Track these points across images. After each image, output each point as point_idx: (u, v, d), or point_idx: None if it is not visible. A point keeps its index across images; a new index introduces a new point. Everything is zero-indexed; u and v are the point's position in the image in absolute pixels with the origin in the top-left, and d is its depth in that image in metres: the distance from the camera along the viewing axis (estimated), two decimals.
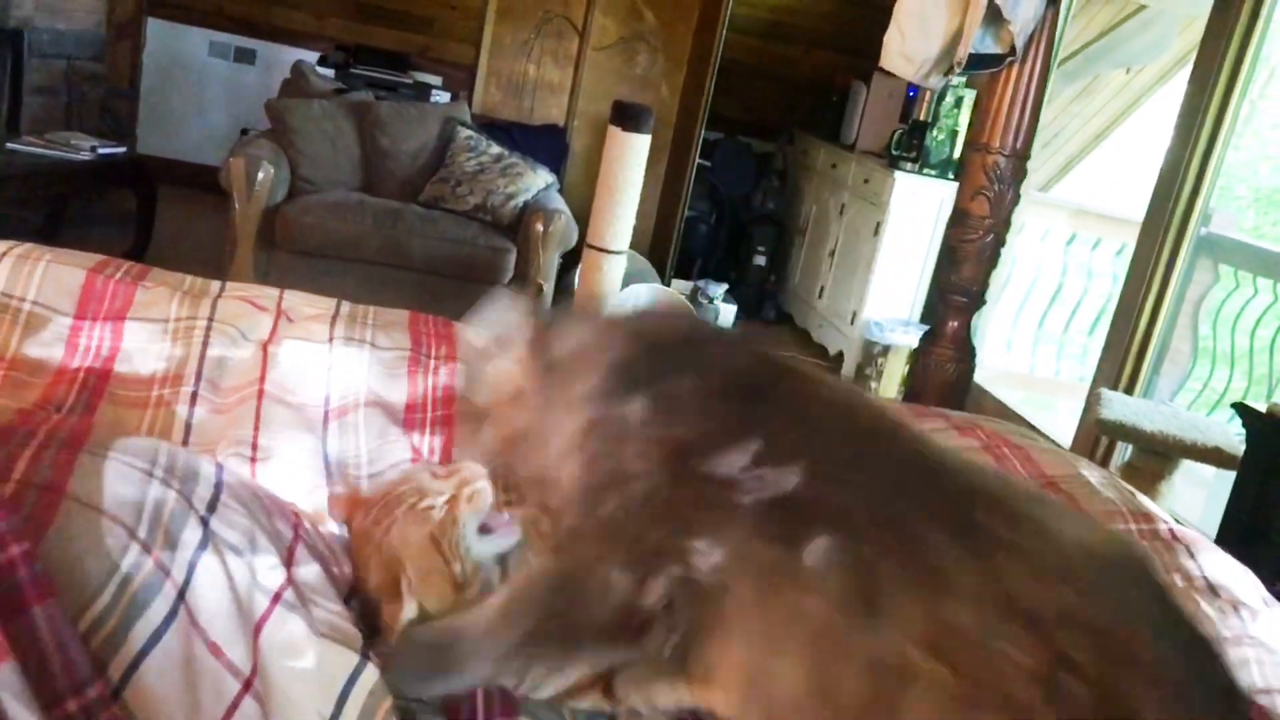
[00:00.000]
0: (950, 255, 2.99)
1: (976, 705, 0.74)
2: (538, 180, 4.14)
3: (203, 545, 0.84)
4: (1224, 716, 0.80)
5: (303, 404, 1.35)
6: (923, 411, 1.83)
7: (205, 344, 1.42)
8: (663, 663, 0.88)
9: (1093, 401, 2.94)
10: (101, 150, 3.91)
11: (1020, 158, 2.85)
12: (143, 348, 1.40)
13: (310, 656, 0.83)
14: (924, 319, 4.43)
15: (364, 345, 1.49)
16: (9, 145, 3.71)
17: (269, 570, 0.89)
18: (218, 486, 0.93)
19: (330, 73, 4.88)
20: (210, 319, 1.47)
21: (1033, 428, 3.41)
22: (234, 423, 1.28)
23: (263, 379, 1.37)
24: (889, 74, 3.01)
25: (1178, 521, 1.53)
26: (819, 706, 0.80)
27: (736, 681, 0.85)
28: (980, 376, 3.74)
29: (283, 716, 0.79)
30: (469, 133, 4.26)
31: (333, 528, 1.16)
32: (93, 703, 0.67)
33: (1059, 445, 2.71)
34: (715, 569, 0.84)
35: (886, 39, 2.80)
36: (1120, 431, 2.70)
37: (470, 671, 0.90)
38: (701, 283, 4.34)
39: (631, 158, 2.92)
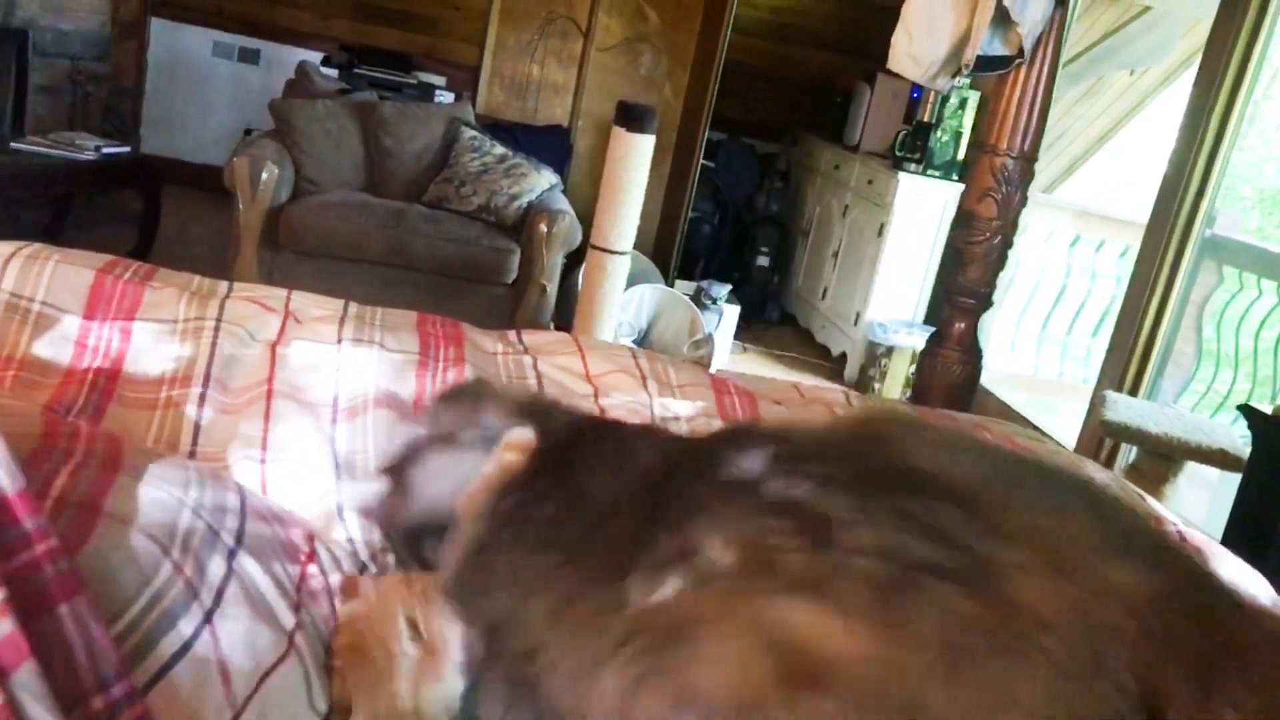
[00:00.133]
0: (957, 257, 2.98)
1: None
2: (541, 181, 4.15)
3: (227, 578, 0.86)
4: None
5: (312, 403, 1.35)
6: (929, 414, 1.83)
7: (214, 345, 1.41)
8: None
9: (1097, 403, 2.94)
10: (105, 150, 3.92)
11: (1028, 159, 2.85)
12: (151, 348, 1.40)
13: None
14: (927, 320, 4.43)
15: (373, 346, 1.49)
16: (13, 145, 3.72)
17: (286, 615, 0.90)
18: (242, 519, 0.95)
19: (334, 73, 4.89)
20: (219, 320, 1.47)
21: (1037, 429, 3.41)
22: (243, 423, 1.28)
23: (271, 379, 1.37)
24: (893, 75, 3.00)
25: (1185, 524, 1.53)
26: None
27: None
28: (984, 378, 3.74)
29: None
30: (473, 133, 4.26)
31: (340, 535, 1.16)
32: (118, 701, 0.67)
33: (1064, 447, 2.71)
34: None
35: (894, 41, 2.80)
36: (1125, 433, 2.70)
37: None
38: (705, 283, 4.35)
39: (635, 158, 2.92)
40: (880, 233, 4.46)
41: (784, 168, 5.61)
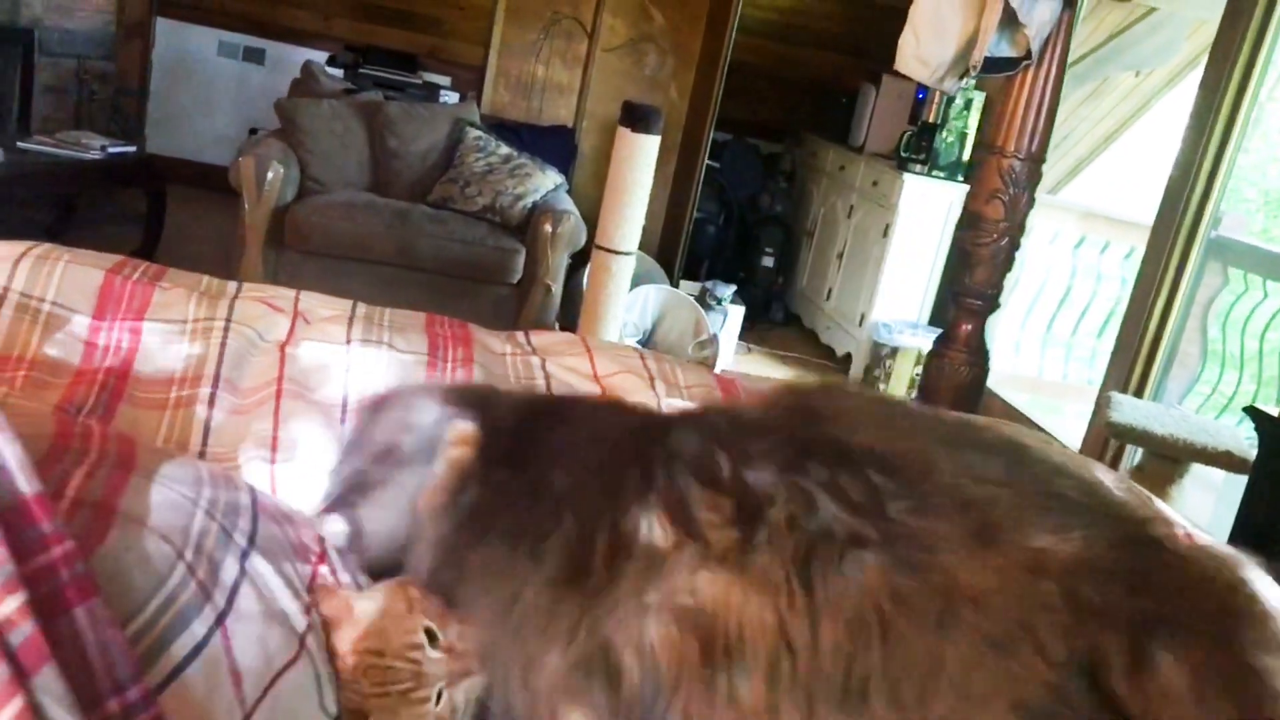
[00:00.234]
0: (964, 259, 2.98)
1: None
2: (546, 181, 4.15)
3: (239, 579, 0.86)
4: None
5: (321, 403, 1.35)
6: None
7: (223, 345, 1.42)
8: None
9: (1102, 404, 2.93)
10: (111, 149, 3.92)
11: (1035, 161, 2.84)
12: (161, 348, 1.40)
13: None
14: (932, 321, 4.43)
15: (382, 346, 1.49)
16: (19, 144, 3.72)
17: (297, 616, 0.90)
18: (254, 519, 0.94)
19: (339, 73, 4.90)
20: (228, 320, 1.47)
21: (1042, 430, 3.40)
22: (254, 423, 1.28)
23: (281, 379, 1.37)
24: (898, 75, 3.00)
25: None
26: None
27: None
28: (988, 379, 3.73)
29: None
30: (478, 133, 4.26)
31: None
32: (134, 704, 0.67)
33: (1070, 449, 2.71)
34: None
35: (901, 42, 2.79)
36: (1130, 435, 2.70)
37: None
38: (709, 284, 4.35)
39: (640, 159, 2.92)
40: (885, 233, 4.46)
41: (789, 168, 5.61)
